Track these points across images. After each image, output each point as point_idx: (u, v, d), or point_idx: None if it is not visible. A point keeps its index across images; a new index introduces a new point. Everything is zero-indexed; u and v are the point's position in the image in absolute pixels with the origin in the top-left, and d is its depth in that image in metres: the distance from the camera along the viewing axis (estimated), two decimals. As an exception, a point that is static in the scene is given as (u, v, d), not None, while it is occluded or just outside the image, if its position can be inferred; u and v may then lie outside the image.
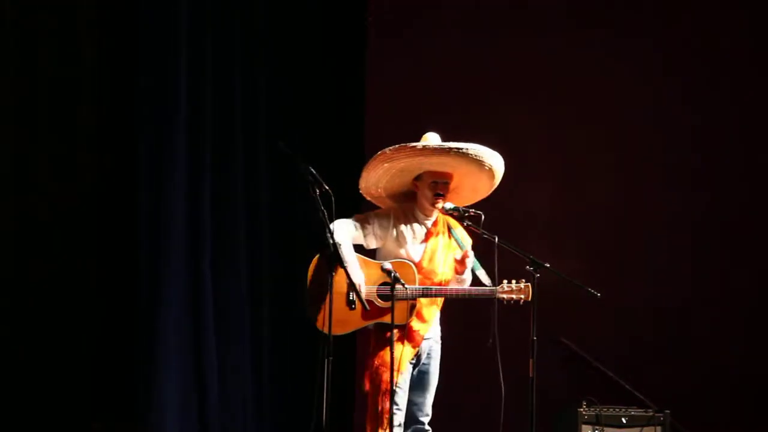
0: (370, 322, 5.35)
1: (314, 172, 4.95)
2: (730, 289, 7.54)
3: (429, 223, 5.48)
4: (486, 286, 5.34)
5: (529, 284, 5.31)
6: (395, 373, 5.21)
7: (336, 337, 5.04)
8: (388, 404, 5.24)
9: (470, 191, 5.56)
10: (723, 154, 7.64)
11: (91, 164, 7.41)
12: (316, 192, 4.95)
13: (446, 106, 7.59)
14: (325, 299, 5.14)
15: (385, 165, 5.38)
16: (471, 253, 5.37)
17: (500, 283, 5.31)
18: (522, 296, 5.30)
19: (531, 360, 5.14)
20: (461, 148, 5.33)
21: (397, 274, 5.16)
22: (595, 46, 7.75)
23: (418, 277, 5.34)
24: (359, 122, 7.91)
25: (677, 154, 7.69)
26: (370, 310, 5.26)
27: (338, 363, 5.04)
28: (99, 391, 7.22)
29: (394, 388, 5.19)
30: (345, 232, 5.34)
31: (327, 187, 4.95)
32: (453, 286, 5.43)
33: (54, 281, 7.36)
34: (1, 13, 7.29)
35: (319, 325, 5.23)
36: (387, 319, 5.23)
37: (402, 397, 5.35)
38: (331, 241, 5.03)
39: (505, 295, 5.30)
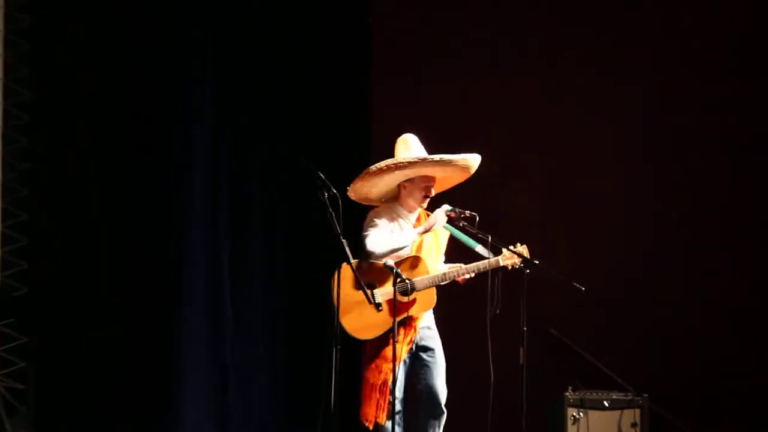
0: (398, 319, 5.43)
1: (323, 176, 5.12)
2: (705, 284, 7.58)
3: (413, 218, 5.70)
4: (488, 258, 5.51)
5: (525, 245, 5.54)
6: (392, 364, 5.34)
7: (345, 330, 5.32)
8: (387, 395, 5.43)
9: (444, 185, 5.82)
10: (706, 156, 7.67)
11: (119, 172, 7.50)
12: (324, 195, 5.11)
13: (444, 113, 7.64)
14: (351, 309, 5.38)
15: (396, 172, 5.60)
16: (465, 238, 5.56)
17: (500, 253, 5.51)
18: (523, 254, 5.51)
19: (521, 348, 5.36)
20: (464, 162, 5.64)
21: (398, 270, 5.33)
22: (585, 53, 7.78)
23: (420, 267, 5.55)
24: (364, 128, 7.96)
25: (660, 157, 7.75)
26: (392, 306, 5.35)
27: (345, 352, 5.18)
28: (129, 386, 7.30)
29: (395, 379, 5.37)
30: (385, 238, 5.54)
31: (335, 191, 5.12)
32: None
33: (84, 282, 7.47)
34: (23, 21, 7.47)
35: (350, 330, 5.44)
36: (413, 312, 5.48)
37: (399, 388, 5.51)
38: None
39: (509, 261, 5.50)
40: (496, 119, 7.62)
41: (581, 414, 6.75)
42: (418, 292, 5.47)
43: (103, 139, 7.53)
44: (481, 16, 7.88)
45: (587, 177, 7.80)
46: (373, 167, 5.63)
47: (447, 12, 7.87)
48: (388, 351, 5.40)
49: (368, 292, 5.29)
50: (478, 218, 5.50)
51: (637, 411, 6.83)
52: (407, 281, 5.45)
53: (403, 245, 5.51)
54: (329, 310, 5.35)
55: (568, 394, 6.81)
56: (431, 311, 5.67)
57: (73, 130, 7.58)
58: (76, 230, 7.57)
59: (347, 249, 5.18)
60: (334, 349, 5.10)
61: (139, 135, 7.47)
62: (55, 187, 7.55)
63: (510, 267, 5.51)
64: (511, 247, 5.51)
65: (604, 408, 6.81)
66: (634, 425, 6.77)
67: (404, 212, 5.70)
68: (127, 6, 7.45)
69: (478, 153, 5.73)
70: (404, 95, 7.77)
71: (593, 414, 6.78)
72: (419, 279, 5.48)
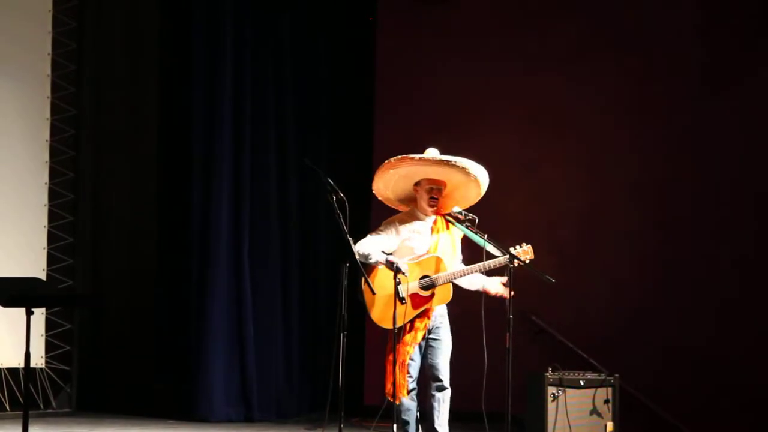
0: (420, 310, 5.77)
1: (332, 182, 5.30)
2: (668, 281, 7.92)
3: (429, 221, 5.89)
4: (498, 257, 5.67)
5: (530, 245, 5.73)
6: (409, 347, 5.72)
7: (351, 317, 5.30)
8: (406, 374, 5.73)
9: (461, 198, 5.95)
10: (669, 164, 7.90)
11: (151, 185, 8.16)
12: (333, 198, 5.28)
13: (436, 130, 7.95)
14: (378, 302, 5.59)
15: (390, 171, 5.84)
16: (477, 238, 5.72)
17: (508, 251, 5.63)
18: (528, 255, 5.70)
19: (508, 334, 5.55)
20: (450, 160, 5.76)
21: (398, 265, 5.56)
22: (560, 70, 8.08)
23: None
24: (369, 138, 8.59)
25: (625, 166, 8.05)
26: (414, 300, 5.69)
27: (351, 337, 5.41)
28: (162, 358, 7.99)
29: (407, 360, 5.72)
30: (369, 244, 5.79)
31: (342, 195, 5.28)
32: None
33: (119, 274, 8.21)
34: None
35: (376, 320, 5.69)
36: (431, 305, 5.75)
37: (414, 368, 5.77)
38: (353, 247, 5.34)
39: (521, 258, 5.63)
40: (484, 139, 7.84)
41: (560, 392, 6.95)
42: (437, 287, 5.71)
43: (137, 151, 8.27)
44: (473, 44, 8.31)
45: (565, 186, 8.14)
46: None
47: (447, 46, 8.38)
48: (408, 337, 5.72)
49: (400, 288, 5.56)
50: (477, 220, 5.74)
51: (610, 389, 7.05)
52: (406, 275, 5.61)
53: (369, 260, 5.65)
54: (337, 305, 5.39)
55: (548, 374, 6.99)
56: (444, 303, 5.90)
57: (113, 143, 8.31)
58: (113, 229, 8.30)
59: (353, 247, 5.37)
60: (341, 335, 5.25)
61: (170, 150, 8.09)
62: (95, 193, 8.27)
63: (519, 264, 5.62)
64: (518, 246, 5.72)
65: (580, 387, 7.01)
66: (606, 402, 7.01)
67: (421, 215, 5.88)
68: (162, 32, 8.16)
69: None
70: (407, 113, 8.36)
71: (570, 392, 6.98)
72: (437, 276, 5.70)
